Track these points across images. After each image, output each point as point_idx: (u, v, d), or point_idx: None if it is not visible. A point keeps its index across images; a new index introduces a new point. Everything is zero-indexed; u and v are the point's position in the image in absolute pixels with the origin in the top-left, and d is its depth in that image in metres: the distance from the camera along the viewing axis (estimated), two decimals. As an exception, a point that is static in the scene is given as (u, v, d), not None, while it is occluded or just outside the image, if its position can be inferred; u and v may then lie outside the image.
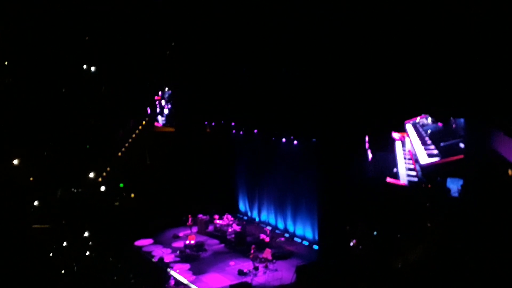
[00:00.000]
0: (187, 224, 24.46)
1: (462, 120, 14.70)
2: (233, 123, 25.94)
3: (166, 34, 26.50)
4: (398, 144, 17.55)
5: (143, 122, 28.14)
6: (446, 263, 11.79)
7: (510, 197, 11.91)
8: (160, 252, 21.65)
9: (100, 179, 25.05)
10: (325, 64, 18.67)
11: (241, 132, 26.05)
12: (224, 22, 22.83)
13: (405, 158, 16.88)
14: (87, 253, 19.72)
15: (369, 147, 17.84)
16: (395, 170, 16.28)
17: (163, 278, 18.83)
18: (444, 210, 14.15)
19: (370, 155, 17.49)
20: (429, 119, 16.83)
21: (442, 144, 15.20)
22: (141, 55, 26.20)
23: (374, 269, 14.77)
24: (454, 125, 15.21)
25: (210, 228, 24.76)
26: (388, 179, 15.17)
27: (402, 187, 15.36)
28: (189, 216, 24.55)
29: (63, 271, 17.41)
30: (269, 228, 23.83)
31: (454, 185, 14.18)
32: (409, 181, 14.89)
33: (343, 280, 15.75)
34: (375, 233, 16.20)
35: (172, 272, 19.44)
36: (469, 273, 11.03)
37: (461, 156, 14.10)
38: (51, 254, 18.40)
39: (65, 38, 24.03)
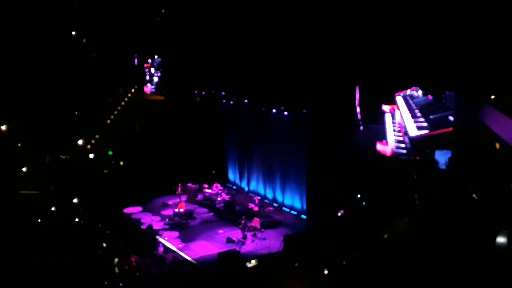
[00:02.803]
0: (177, 192, 24.53)
1: (452, 93, 14.75)
2: (223, 93, 25.80)
3: (156, 0, 26.07)
4: (388, 116, 17.60)
5: (132, 90, 27.89)
6: (432, 235, 11.97)
7: (497, 170, 12.05)
8: (149, 220, 21.78)
9: (89, 146, 24.91)
10: (317, 35, 18.52)
11: (231, 102, 25.95)
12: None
13: (394, 130, 16.96)
14: (76, 219, 19.75)
15: (360, 119, 17.90)
16: (384, 141, 16.37)
17: (152, 245, 18.98)
18: (432, 182, 14.30)
19: (361, 127, 17.56)
20: (420, 92, 16.87)
21: (431, 116, 15.28)
22: (132, 22, 25.77)
23: (361, 239, 14.98)
24: (444, 98, 15.27)
25: (199, 197, 24.90)
26: (378, 146, 15.23)
27: (390, 158, 15.47)
28: (179, 184, 24.62)
29: (51, 237, 17.45)
30: (258, 197, 24.03)
31: (442, 158, 14.31)
32: (398, 153, 14.98)
33: (329, 250, 15.99)
34: (363, 203, 16.39)
35: (161, 240, 19.60)
36: (454, 245, 11.21)
37: (450, 129, 14.20)
38: (39, 220, 18.41)
39: (54, 3, 23.53)
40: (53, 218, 18.78)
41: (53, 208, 19.62)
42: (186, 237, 20.04)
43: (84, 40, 25.98)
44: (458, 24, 13.57)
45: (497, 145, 11.72)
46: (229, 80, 23.99)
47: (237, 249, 18.49)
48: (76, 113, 24.88)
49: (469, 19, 13.25)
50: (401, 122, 16.83)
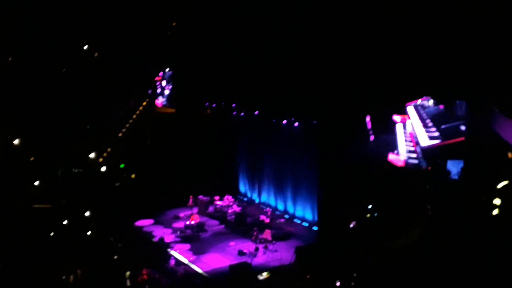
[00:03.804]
0: (188, 204, 24.53)
1: (463, 102, 14.63)
2: (234, 105, 25.85)
3: (167, 14, 26.27)
4: (399, 126, 17.49)
5: (144, 103, 28.07)
6: (444, 246, 11.83)
7: (510, 180, 11.90)
8: (161, 232, 21.78)
9: (101, 160, 25.08)
10: (327, 46, 18.52)
11: (242, 114, 25.98)
12: (225, 1, 22.64)
13: (406, 140, 16.84)
14: (88, 233, 19.84)
15: (371, 129, 17.81)
16: (396, 152, 16.27)
17: (164, 258, 18.95)
18: (444, 192, 14.15)
19: (371, 137, 17.47)
20: (431, 101, 16.75)
21: (443, 126, 15.15)
22: (143, 35, 26.00)
23: (372, 250, 14.85)
24: (455, 108, 15.14)
25: (211, 209, 24.86)
26: (390, 156, 15.13)
27: (402, 169, 15.35)
28: (190, 196, 24.62)
29: (63, 251, 17.53)
30: (269, 209, 23.91)
31: (454, 168, 14.17)
32: (410, 163, 14.86)
33: (341, 262, 15.86)
34: (375, 214, 16.26)
35: (173, 252, 19.58)
36: (466, 257, 11.06)
37: (462, 139, 14.07)
38: (51, 234, 18.52)
39: (66, 18, 23.86)
40: (66, 232, 18.90)
41: (65, 222, 19.75)
42: (198, 249, 20.00)
43: (96, 54, 26.26)
44: (468, 33, 13.51)
45: (510, 155, 11.59)
46: (240, 92, 24.04)
47: (249, 261, 18.39)
48: (88, 126, 25.10)
49: (478, 28, 13.19)
50: (413, 132, 16.71)
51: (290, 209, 24.09)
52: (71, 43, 24.59)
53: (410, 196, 14.89)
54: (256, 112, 24.66)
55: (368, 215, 17.47)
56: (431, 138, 15.48)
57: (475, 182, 12.72)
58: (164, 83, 29.55)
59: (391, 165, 15.51)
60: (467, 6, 13.33)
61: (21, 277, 15.21)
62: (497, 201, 11.27)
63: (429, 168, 14.86)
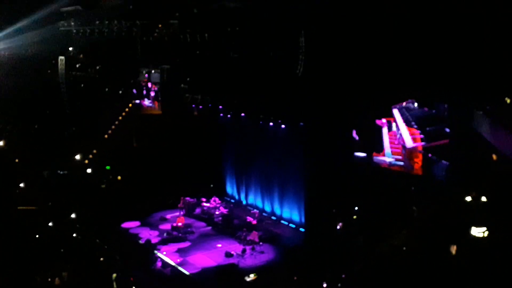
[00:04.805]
0: (178, 206, 24.46)
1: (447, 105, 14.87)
2: (220, 107, 25.85)
3: (154, 16, 26.19)
4: (384, 129, 17.68)
5: (130, 105, 27.93)
6: (430, 248, 11.98)
7: (494, 181, 12.12)
8: (147, 234, 21.68)
9: (86, 161, 24.93)
10: (314, 49, 18.66)
11: (228, 116, 25.98)
12: (211, 3, 22.66)
13: (391, 143, 17.03)
14: (74, 235, 19.69)
15: (357, 132, 18.00)
16: (381, 154, 16.44)
17: (150, 260, 18.89)
18: (429, 194, 14.33)
19: (357, 139, 17.65)
20: (416, 104, 16.97)
21: (428, 128, 15.37)
22: (129, 37, 25.90)
23: (359, 252, 14.97)
24: (440, 110, 15.36)
25: (197, 210, 24.81)
26: (375, 158, 15.28)
27: (387, 170, 15.52)
28: (181, 198, 24.59)
29: (49, 253, 17.38)
30: (256, 211, 23.96)
31: (439, 170, 14.38)
32: (395, 165, 15.03)
33: (328, 263, 15.95)
34: (361, 215, 16.40)
35: (159, 254, 19.52)
36: (452, 258, 11.22)
37: (447, 141, 14.27)
38: (37, 236, 18.34)
39: (50, 19, 23.72)
40: (51, 234, 18.73)
41: (50, 224, 19.58)
42: (184, 251, 19.96)
43: (81, 56, 26.11)
44: (448, 36, 13.75)
45: (494, 157, 11.80)
46: (227, 94, 24.03)
47: (236, 263, 18.40)
48: (74, 128, 24.93)
49: (457, 31, 13.43)
50: (398, 134, 16.91)
51: (277, 211, 24.14)
52: (57, 45, 24.46)
53: (395, 198, 15.05)
54: (243, 114, 24.69)
55: (355, 217, 17.62)
56: (416, 140, 15.70)
57: (460, 183, 12.92)
58: (150, 84, 29.42)
59: (377, 167, 15.68)
60: (447, 12, 13.58)
61: (6, 280, 15.05)
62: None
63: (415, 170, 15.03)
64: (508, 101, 12.49)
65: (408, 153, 15.06)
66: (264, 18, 20.29)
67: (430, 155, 13.06)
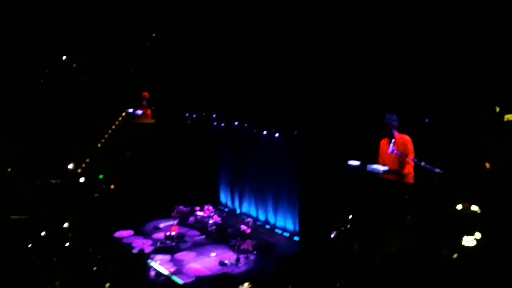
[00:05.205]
0: (172, 215, 24.37)
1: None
2: (214, 115, 25.87)
3: (146, 25, 26.22)
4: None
5: (123, 114, 27.86)
6: (425, 256, 11.98)
7: (486, 190, 12.17)
8: (141, 244, 21.58)
9: (79, 170, 24.79)
10: (307, 57, 18.74)
11: (222, 124, 26.00)
12: (204, 10, 22.71)
13: (384, 151, 17.02)
14: (67, 244, 19.54)
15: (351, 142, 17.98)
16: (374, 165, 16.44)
17: (143, 270, 18.79)
18: (423, 202, 14.35)
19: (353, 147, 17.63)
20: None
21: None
22: (122, 46, 25.90)
23: (353, 261, 14.93)
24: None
25: (191, 219, 24.74)
26: (370, 166, 15.26)
27: (381, 179, 15.52)
28: (176, 207, 24.51)
29: (41, 263, 17.25)
30: (250, 219, 23.94)
31: (432, 178, 14.38)
32: (389, 173, 15.00)
33: (322, 272, 15.90)
34: (355, 224, 16.36)
35: (153, 263, 19.41)
36: (448, 266, 11.22)
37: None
38: (29, 246, 18.20)
39: (43, 27, 23.66)
40: (44, 243, 18.58)
41: (43, 233, 19.43)
42: (178, 260, 19.87)
43: (74, 65, 26.06)
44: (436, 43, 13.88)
45: (487, 165, 11.86)
46: (220, 103, 24.08)
47: (230, 272, 18.35)
48: (67, 136, 24.79)
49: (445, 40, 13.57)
50: (391, 142, 16.91)
51: (271, 220, 24.14)
52: (49, 54, 24.39)
53: (390, 206, 15.05)
54: (237, 123, 24.72)
55: (349, 226, 17.59)
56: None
57: (453, 192, 12.96)
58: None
59: (371, 175, 15.66)
60: (447, 12, 13.70)
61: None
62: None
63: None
64: (498, 110, 12.61)
65: (401, 161, 15.04)
66: (252, 22, 20.37)
67: (423, 163, 13.01)
